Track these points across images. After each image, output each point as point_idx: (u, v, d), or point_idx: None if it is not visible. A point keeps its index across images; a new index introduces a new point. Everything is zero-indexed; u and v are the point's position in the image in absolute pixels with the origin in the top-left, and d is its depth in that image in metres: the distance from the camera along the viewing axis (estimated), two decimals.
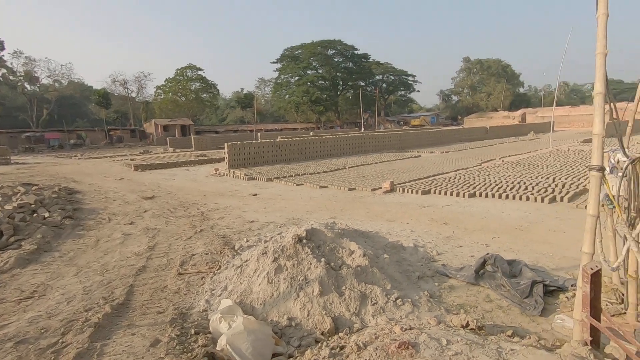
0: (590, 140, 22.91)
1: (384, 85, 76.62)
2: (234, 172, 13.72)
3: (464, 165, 13.78)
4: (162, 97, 54.49)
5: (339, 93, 68.70)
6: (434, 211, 7.18)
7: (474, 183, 9.56)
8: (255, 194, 9.62)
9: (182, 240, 5.84)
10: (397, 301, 3.25)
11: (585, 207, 6.83)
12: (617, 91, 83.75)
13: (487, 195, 8.30)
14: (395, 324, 2.72)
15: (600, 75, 2.37)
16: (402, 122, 74.30)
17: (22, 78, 54.57)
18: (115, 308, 3.41)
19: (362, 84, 70.11)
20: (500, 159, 15.13)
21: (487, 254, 4.11)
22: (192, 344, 2.79)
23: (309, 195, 9.24)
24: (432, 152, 20.33)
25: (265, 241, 4.24)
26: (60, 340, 2.89)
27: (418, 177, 11.28)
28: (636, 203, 2.96)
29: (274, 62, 66.90)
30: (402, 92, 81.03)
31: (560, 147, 19.28)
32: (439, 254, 4.77)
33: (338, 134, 26.55)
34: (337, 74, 66.35)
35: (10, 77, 54.63)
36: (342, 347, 2.42)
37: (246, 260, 4.11)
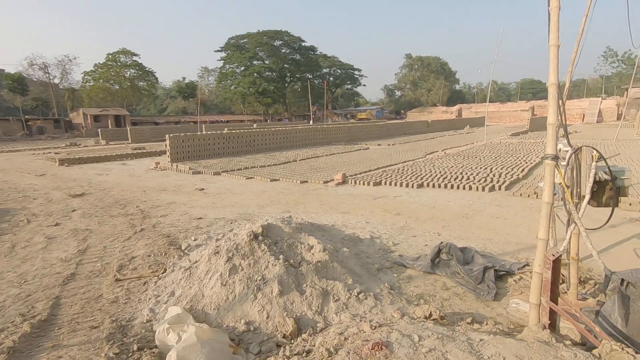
0: (517, 134, 25.22)
1: (331, 78, 77.25)
2: (177, 165, 12.82)
3: (410, 157, 14.31)
4: (91, 84, 49.42)
5: (286, 85, 67.88)
6: (386, 202, 7.28)
7: (421, 174, 9.93)
8: (202, 189, 9.04)
9: (119, 241, 5.23)
10: (360, 296, 3.15)
11: (521, 194, 7.39)
12: (537, 90, 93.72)
13: (434, 186, 8.65)
14: (362, 321, 2.62)
15: (553, 67, 2.44)
16: (349, 116, 75.68)
17: None
18: (37, 326, 2.89)
19: (309, 76, 69.96)
20: (442, 151, 15.96)
21: (441, 242, 4.19)
22: None
23: (260, 189, 8.90)
24: (379, 145, 20.88)
25: (217, 239, 3.91)
26: None
27: (368, 169, 11.46)
28: (577, 190, 3.16)
29: (218, 51, 63.97)
30: (349, 86, 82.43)
31: (493, 140, 20.91)
32: (395, 245, 4.80)
33: (287, 126, 26.19)
34: (285, 65, 65.41)
35: None
36: (308, 352, 2.26)
37: (195, 262, 3.76)
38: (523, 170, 9.98)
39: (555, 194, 3.80)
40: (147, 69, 52.44)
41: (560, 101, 2.74)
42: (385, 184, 9.04)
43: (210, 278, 3.23)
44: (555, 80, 2.45)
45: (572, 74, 3.24)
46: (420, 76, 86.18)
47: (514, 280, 3.70)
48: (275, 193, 8.41)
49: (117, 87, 49.55)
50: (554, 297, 2.12)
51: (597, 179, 3.00)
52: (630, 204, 6.10)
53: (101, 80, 48.78)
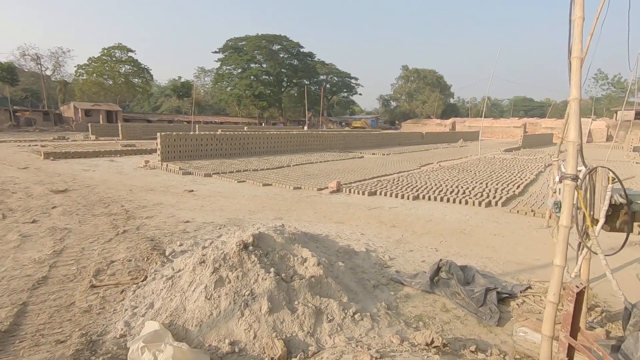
0: (510, 150, 25.39)
1: (328, 85, 77.52)
2: (167, 165, 12.47)
3: (405, 167, 14.18)
4: (84, 77, 48.65)
5: (283, 90, 67.83)
6: (382, 213, 7.08)
7: (417, 185, 9.78)
8: (192, 191, 8.74)
9: (98, 243, 4.92)
10: (355, 316, 2.92)
11: (517, 211, 7.26)
12: (528, 108, 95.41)
13: (429, 198, 8.48)
14: (358, 346, 2.39)
15: (575, 80, 2.27)
16: (343, 123, 75.86)
17: None
18: None
19: (306, 82, 70.07)
20: (437, 163, 15.89)
21: (441, 260, 3.99)
22: None
23: (251, 194, 8.63)
24: (374, 154, 20.78)
25: (204, 247, 3.64)
26: None
27: (363, 177, 11.28)
28: (591, 212, 3.00)
29: (215, 52, 63.77)
30: (345, 94, 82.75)
31: (487, 155, 20.97)
32: (391, 259, 4.59)
33: (282, 130, 25.98)
34: (282, 70, 65.45)
35: None
36: None
37: (179, 270, 3.48)
38: (519, 186, 9.90)
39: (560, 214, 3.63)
40: (142, 65, 51.88)
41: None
42: (381, 194, 8.86)
43: (193, 290, 2.96)
44: (577, 94, 2.29)
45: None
46: (416, 88, 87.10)
47: (517, 304, 3.51)
48: (267, 198, 8.15)
49: (111, 83, 48.85)
50: (574, 332, 1.92)
51: (612, 202, 2.85)
52: None
53: (95, 75, 48.06)
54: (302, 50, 67.26)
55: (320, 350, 2.55)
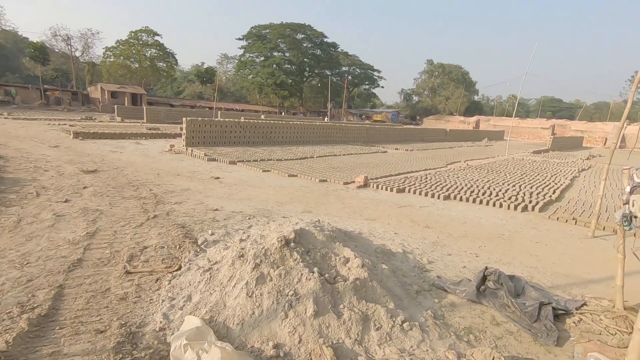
0: (539, 152, 24.43)
1: (349, 77, 76.55)
2: (192, 150, 12.49)
3: (430, 165, 13.79)
4: (111, 60, 49.50)
5: (304, 79, 67.38)
6: (413, 212, 6.83)
7: (446, 184, 9.44)
8: (218, 178, 8.67)
9: (130, 227, 4.87)
10: (404, 325, 2.73)
11: (557, 218, 6.86)
12: (556, 109, 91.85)
13: (461, 199, 8.16)
14: None
15: None
16: (364, 116, 74.98)
17: None
18: (36, 323, 2.52)
19: (328, 73, 69.36)
20: (464, 162, 15.40)
21: (487, 268, 3.74)
22: None
23: (277, 184, 8.50)
24: (397, 149, 20.37)
25: (241, 240, 3.51)
26: None
27: (389, 173, 11.00)
28: None
29: (239, 39, 63.75)
30: (367, 87, 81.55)
31: (515, 156, 20.23)
32: (430, 263, 4.36)
33: (304, 120, 25.77)
34: (305, 59, 64.92)
35: None
36: None
37: (215, 262, 3.36)
38: (554, 191, 9.43)
39: (630, 228, 3.32)
40: (167, 50, 52.35)
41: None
42: (410, 191, 8.58)
43: (234, 286, 2.83)
44: None
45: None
46: (440, 83, 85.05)
47: (573, 322, 3.24)
48: (293, 190, 8.00)
49: (137, 66, 49.54)
50: None
51: None
52: None
53: (122, 57, 48.81)
54: (325, 40, 66.50)
55: None
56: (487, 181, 10.40)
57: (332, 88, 60.99)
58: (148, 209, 5.74)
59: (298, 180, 9.18)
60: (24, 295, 3.01)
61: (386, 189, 8.65)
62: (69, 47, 50.25)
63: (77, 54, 51.80)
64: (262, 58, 62.10)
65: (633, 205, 3.12)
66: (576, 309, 3.45)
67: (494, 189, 9.15)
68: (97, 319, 2.69)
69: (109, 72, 48.55)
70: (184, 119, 13.86)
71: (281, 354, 2.38)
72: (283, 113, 57.53)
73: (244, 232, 4.72)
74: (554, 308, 3.32)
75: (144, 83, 50.18)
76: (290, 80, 61.64)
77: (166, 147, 13.39)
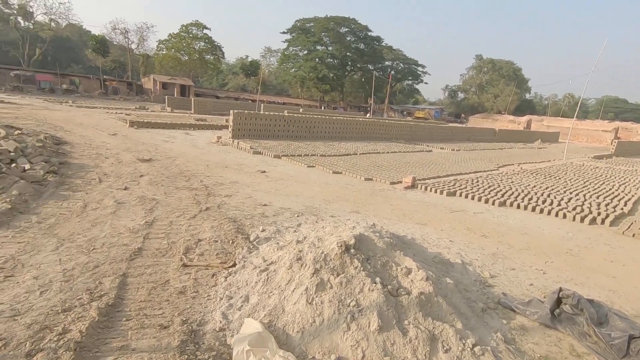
0: (601, 157, 22.43)
1: (393, 72, 74.74)
2: (238, 143, 12.74)
3: (480, 167, 13.06)
4: (163, 52, 51.98)
5: (346, 74, 66.73)
6: (466, 218, 6.44)
7: (500, 189, 8.85)
8: (264, 172, 8.74)
9: (185, 218, 4.98)
10: (475, 349, 2.50)
11: (633, 235, 6.16)
12: (620, 110, 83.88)
13: (518, 206, 7.59)
14: None
15: None
16: (405, 113, 73.11)
17: (15, 12, 51.23)
18: (104, 313, 2.59)
19: (371, 67, 68.19)
20: (518, 165, 14.44)
21: (561, 289, 3.38)
22: None
23: (323, 181, 8.40)
24: (442, 148, 19.59)
25: (298, 241, 3.42)
26: None
27: (437, 174, 10.53)
28: None
29: (283, 32, 64.32)
30: (410, 82, 79.23)
31: (574, 161, 18.68)
32: (492, 277, 4.04)
33: (346, 116, 25.53)
34: (348, 53, 64.19)
35: (4, 9, 51.22)
36: None
37: (271, 263, 3.31)
38: (626, 203, 8.53)
39: None
40: (215, 43, 54.00)
41: None
42: (461, 195, 8.13)
43: (293, 291, 2.75)
44: None
45: None
46: (489, 80, 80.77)
47: None
48: (339, 187, 7.86)
49: (186, 58, 51.60)
50: None
51: None
52: None
53: (173, 50, 51.06)
54: (369, 34, 65.31)
55: None
56: (546, 188, 9.63)
57: (375, 82, 59.97)
58: (200, 200, 5.86)
59: (343, 178, 9.03)
60: (91, 281, 3.12)
61: (435, 191, 8.27)
62: (127, 39, 53.41)
63: (133, 46, 54.93)
64: (305, 52, 62.27)
65: None
66: None
67: (555, 197, 8.45)
68: (159, 313, 2.72)
69: (161, 64, 51.02)
70: (231, 111, 14.17)
71: None
72: (323, 107, 57.53)
73: (294, 231, 4.66)
74: None
75: (192, 75, 52.25)
76: (332, 75, 61.35)
77: (213, 139, 13.77)
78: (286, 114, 16.81)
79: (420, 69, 74.98)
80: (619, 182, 11.91)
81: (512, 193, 8.59)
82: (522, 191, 8.89)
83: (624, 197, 9.32)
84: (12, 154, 6.50)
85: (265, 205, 5.95)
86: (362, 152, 14.18)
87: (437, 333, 2.54)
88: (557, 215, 7.17)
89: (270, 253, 3.58)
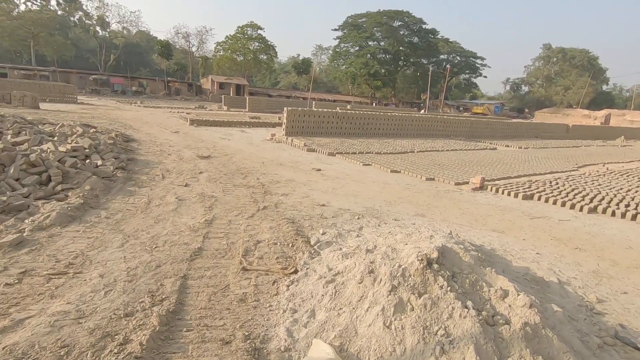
0: None
1: (448, 65, 71.04)
2: (292, 140, 12.66)
3: (556, 167, 11.65)
4: (221, 53, 54.39)
5: (399, 69, 64.76)
6: (551, 226, 5.60)
7: (587, 193, 7.71)
8: (319, 170, 8.48)
9: (243, 217, 4.85)
10: None
11: None
12: None
13: (613, 214, 6.51)
14: None
15: None
16: (461, 108, 69.22)
17: (95, 22, 56.78)
18: (165, 321, 2.43)
19: (424, 62, 65.48)
20: (604, 165, 12.70)
21: None
22: None
23: (381, 180, 7.93)
24: (508, 146, 18.00)
25: (368, 250, 3.05)
26: None
27: (507, 175, 9.52)
28: None
29: (335, 30, 64.13)
30: (467, 76, 74.68)
31: None
32: (599, 302, 3.34)
33: (402, 112, 24.60)
34: (400, 48, 62.21)
35: (85, 21, 57.03)
36: None
37: (337, 273, 2.97)
38: None
39: None
40: (269, 42, 55.31)
41: None
42: (540, 199, 7.18)
43: (367, 310, 2.38)
44: None
45: None
46: (558, 71, 73.67)
47: None
48: (400, 188, 7.35)
49: (242, 58, 53.47)
50: None
51: None
52: None
53: (229, 51, 53.19)
54: (424, 26, 62.66)
55: None
56: None
57: (428, 78, 57.40)
58: (257, 199, 5.73)
59: (402, 177, 8.48)
60: (153, 282, 3.03)
61: (508, 194, 7.40)
62: (188, 43, 56.76)
63: (194, 49, 58.25)
64: (357, 48, 61.51)
65: None
66: None
67: None
68: (220, 324, 2.51)
69: (218, 65, 53.45)
70: (285, 108, 14.16)
71: None
72: (375, 104, 56.38)
73: (357, 235, 4.29)
74: None
75: (246, 75, 54.06)
76: (384, 70, 59.95)
77: (267, 136, 13.87)
78: (339, 111, 16.47)
79: (479, 61, 70.42)
80: None
81: (603, 198, 7.43)
82: (615, 195, 7.67)
83: None
84: (86, 150, 6.90)
85: (323, 205, 5.66)
86: (420, 149, 13.40)
87: None
88: None
89: (335, 261, 3.25)
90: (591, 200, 7.14)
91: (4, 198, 4.35)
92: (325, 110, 16.06)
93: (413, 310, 2.29)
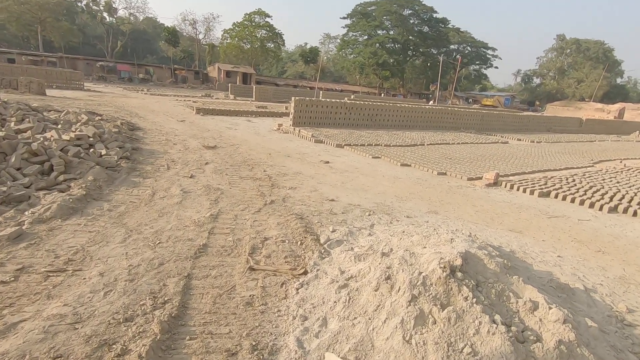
0: None
1: (459, 56, 69.58)
2: (299, 130, 12.42)
3: (571, 162, 11.29)
4: (228, 41, 53.79)
5: (407, 59, 63.55)
6: (571, 227, 5.35)
7: (605, 191, 7.40)
8: (328, 162, 8.26)
9: (249, 212, 4.67)
10: None
11: None
12: None
13: (635, 214, 6.23)
14: None
15: None
16: (470, 100, 68.09)
17: (102, 8, 56.35)
18: (167, 328, 2.27)
19: (434, 52, 64.15)
20: (621, 162, 12.30)
21: None
22: None
23: (391, 174, 7.70)
24: (519, 140, 17.58)
25: (384, 254, 2.85)
26: None
27: (521, 170, 9.23)
28: None
29: (343, 18, 62.88)
30: (477, 67, 73.15)
31: None
32: (629, 312, 3.13)
33: (411, 103, 24.16)
34: (410, 37, 60.93)
35: (92, 6, 56.64)
36: None
37: (350, 277, 2.78)
38: None
39: None
40: (276, 31, 54.51)
41: None
42: (557, 197, 6.91)
43: (384, 322, 2.19)
44: None
45: None
46: (572, 63, 71.87)
47: None
48: (411, 183, 7.11)
49: (249, 46, 52.84)
50: None
51: None
52: None
53: (237, 39, 52.57)
54: (435, 15, 61.24)
55: None
56: None
57: (437, 68, 56.30)
58: (264, 192, 5.54)
59: (413, 171, 8.23)
60: (155, 282, 2.87)
61: (524, 191, 7.14)
62: (195, 30, 56.18)
63: (200, 36, 57.68)
64: (366, 37, 60.38)
65: None
66: None
67: None
68: (226, 332, 2.34)
69: (225, 53, 52.90)
70: (292, 98, 13.88)
71: None
72: (382, 94, 55.61)
73: (369, 233, 4.10)
74: None
75: (253, 63, 53.49)
76: (393, 60, 58.85)
77: (274, 126, 13.63)
78: (347, 101, 16.14)
79: (490, 52, 68.88)
80: None
81: (623, 196, 7.13)
82: (635, 194, 7.36)
83: None
84: (90, 139, 6.75)
85: (332, 200, 5.46)
86: (430, 142, 13.08)
87: None
88: None
89: (348, 263, 3.07)
90: (611, 199, 6.86)
91: (4, 188, 4.21)
92: (333, 100, 15.74)
93: (435, 323, 2.10)
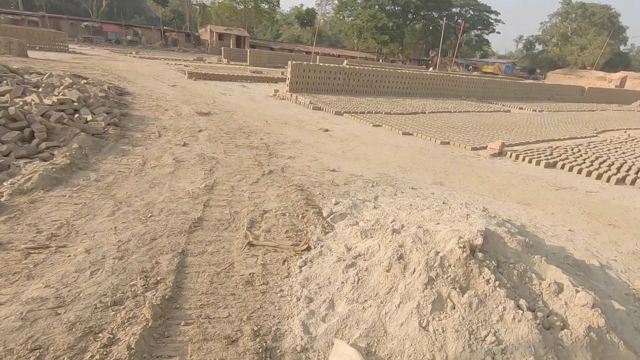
0: None
1: (462, 19, 66.92)
2: (296, 97, 11.91)
3: (575, 132, 11.04)
4: (220, 1, 51.00)
5: (407, 23, 61.04)
6: (579, 199, 5.19)
7: (612, 162, 7.22)
8: (327, 130, 7.92)
9: (247, 183, 4.41)
10: None
11: None
12: None
13: None
14: None
15: None
16: (470, 67, 66.37)
17: None
18: (159, 313, 2.07)
19: (435, 15, 61.60)
20: (625, 131, 12.07)
21: None
22: None
23: (393, 143, 7.41)
24: (521, 108, 17.20)
25: (394, 231, 2.63)
26: None
27: (525, 140, 8.97)
28: None
29: None
30: (478, 32, 70.66)
31: None
32: None
33: (412, 69, 23.36)
34: None
35: None
36: None
37: (358, 255, 2.58)
38: None
39: None
40: None
41: None
42: (563, 167, 6.72)
43: (398, 306, 2.01)
44: None
45: None
46: (576, 29, 69.63)
47: None
48: (413, 152, 6.85)
49: (242, 7, 50.25)
50: None
51: None
52: None
53: None
54: None
55: None
56: None
57: (437, 33, 54.27)
58: (262, 162, 5.26)
59: (415, 140, 7.94)
60: (147, 260, 2.66)
61: (530, 161, 6.92)
62: None
63: None
64: None
65: None
66: None
67: None
68: (225, 315, 2.15)
69: (217, 14, 50.32)
70: (290, 62, 13.21)
71: None
72: (381, 60, 53.89)
73: (374, 206, 3.88)
74: None
75: (247, 25, 51.09)
76: (392, 24, 56.48)
77: (270, 92, 13.08)
78: (346, 66, 15.46)
79: (492, 16, 66.29)
80: None
81: (630, 167, 6.96)
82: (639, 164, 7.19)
83: None
84: (75, 104, 6.31)
85: (333, 170, 5.20)
86: (431, 110, 12.68)
87: None
88: None
89: (354, 239, 2.86)
90: (618, 170, 6.68)
91: None
92: (331, 65, 15.05)
93: (455, 309, 1.92)
